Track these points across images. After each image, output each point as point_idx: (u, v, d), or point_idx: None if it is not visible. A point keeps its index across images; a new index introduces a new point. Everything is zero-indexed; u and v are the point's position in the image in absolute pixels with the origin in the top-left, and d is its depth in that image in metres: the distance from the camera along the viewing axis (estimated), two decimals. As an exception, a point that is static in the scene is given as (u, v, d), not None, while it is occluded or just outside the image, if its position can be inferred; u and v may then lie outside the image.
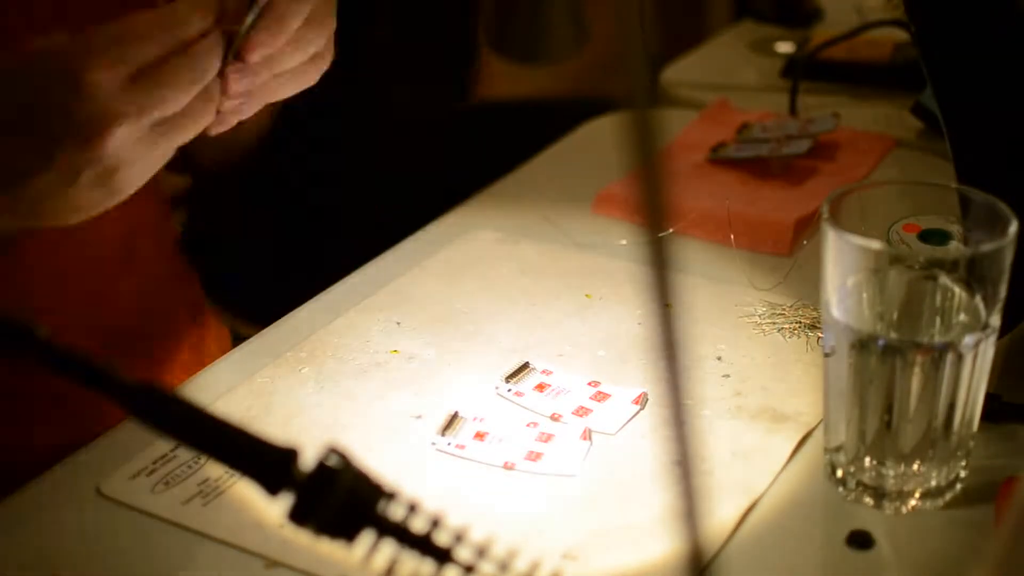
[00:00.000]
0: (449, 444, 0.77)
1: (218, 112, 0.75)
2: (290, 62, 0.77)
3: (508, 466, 0.76)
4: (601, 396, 0.82)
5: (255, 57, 0.75)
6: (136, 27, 0.70)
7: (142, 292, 0.95)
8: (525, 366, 0.84)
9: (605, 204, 1.05)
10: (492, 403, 0.82)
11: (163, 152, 0.72)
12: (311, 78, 0.80)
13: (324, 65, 0.80)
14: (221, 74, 0.74)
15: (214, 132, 0.77)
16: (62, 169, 0.69)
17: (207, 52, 0.72)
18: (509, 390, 0.82)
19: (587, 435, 0.78)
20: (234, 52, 0.75)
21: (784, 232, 0.99)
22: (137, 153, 0.70)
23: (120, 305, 0.94)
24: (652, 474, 0.75)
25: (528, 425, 0.79)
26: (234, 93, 0.75)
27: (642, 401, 0.81)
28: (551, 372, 0.84)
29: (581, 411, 0.80)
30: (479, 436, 0.78)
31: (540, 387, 0.83)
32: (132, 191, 0.72)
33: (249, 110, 0.78)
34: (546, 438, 0.78)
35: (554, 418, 0.80)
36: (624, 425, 0.79)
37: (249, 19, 0.75)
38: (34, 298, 0.88)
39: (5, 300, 0.82)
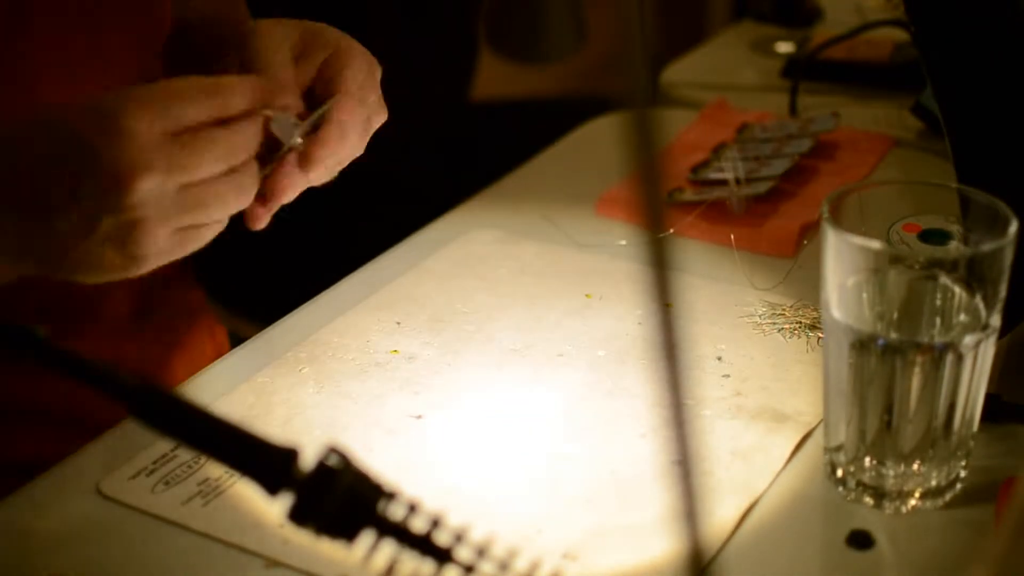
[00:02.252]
0: None
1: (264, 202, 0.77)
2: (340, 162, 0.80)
3: None
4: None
5: (314, 167, 0.77)
6: (181, 88, 0.70)
7: (143, 292, 0.95)
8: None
9: (609, 206, 1.05)
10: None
11: (186, 234, 0.71)
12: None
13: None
14: (264, 165, 0.76)
15: (255, 226, 0.78)
16: (83, 211, 0.68)
17: (244, 132, 0.72)
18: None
19: None
20: (286, 150, 0.77)
21: (788, 237, 0.99)
22: (159, 214, 0.69)
23: (120, 304, 0.94)
24: (652, 474, 0.75)
25: None
26: (280, 190, 0.78)
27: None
28: None
29: None
30: None
31: None
32: (147, 264, 0.71)
33: (289, 197, 0.80)
34: None
35: None
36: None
37: (309, 121, 0.78)
38: (34, 299, 0.88)
39: (5, 301, 0.82)
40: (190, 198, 0.70)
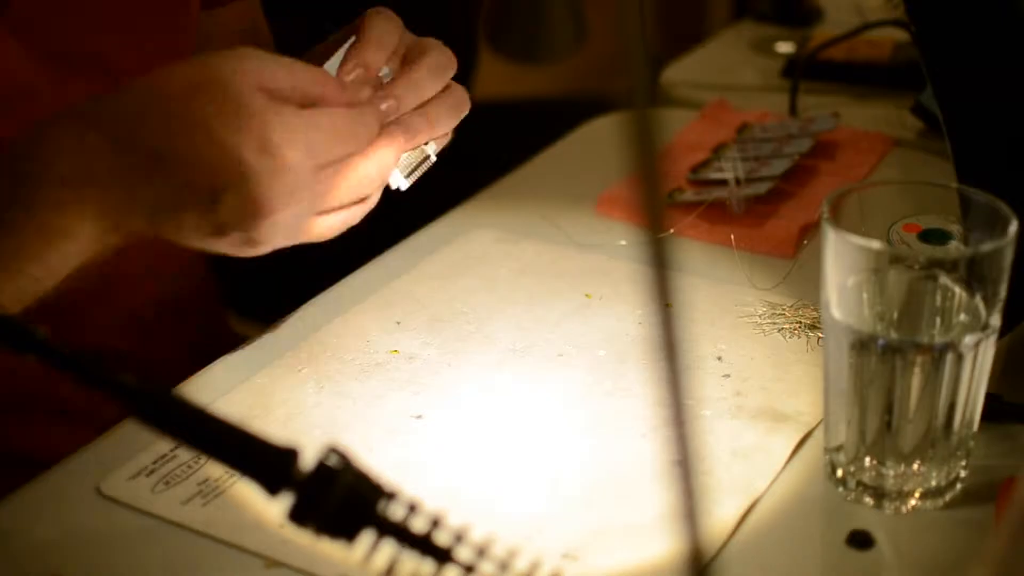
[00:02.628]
0: None
1: None
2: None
3: None
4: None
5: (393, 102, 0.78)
6: (334, 123, 0.72)
7: (160, 282, 0.95)
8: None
9: (609, 205, 1.05)
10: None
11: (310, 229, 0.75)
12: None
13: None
14: None
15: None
16: (216, 218, 0.70)
17: (380, 163, 0.76)
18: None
19: None
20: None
21: (789, 238, 0.99)
22: (286, 232, 0.72)
23: (132, 299, 0.94)
24: (652, 474, 0.75)
25: None
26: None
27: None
28: None
29: None
30: None
31: None
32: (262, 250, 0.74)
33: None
34: None
35: None
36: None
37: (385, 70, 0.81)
38: (87, 313, 0.88)
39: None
40: (317, 219, 0.75)
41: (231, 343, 1.02)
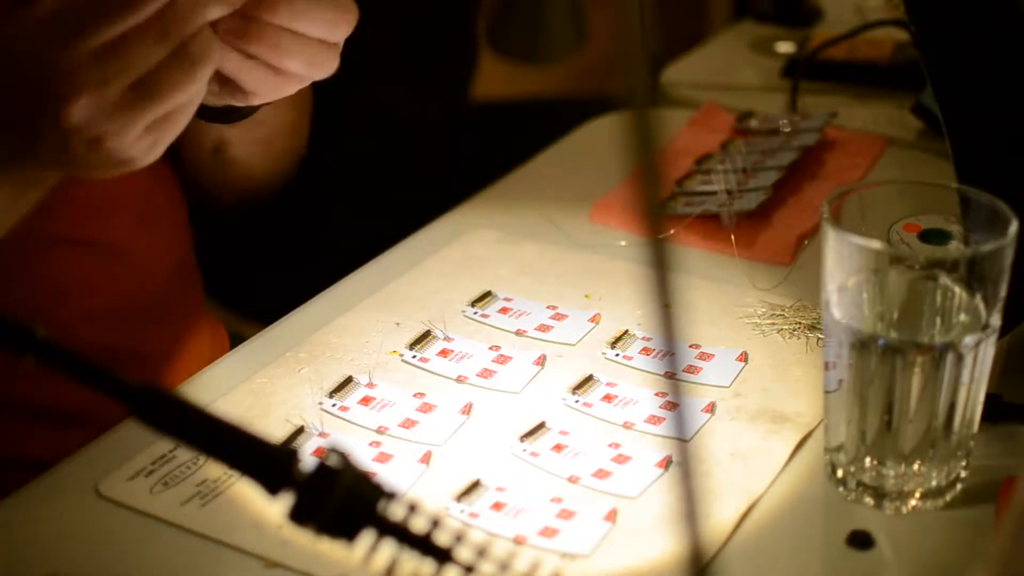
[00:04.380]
0: (463, 511, 0.72)
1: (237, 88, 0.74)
2: (303, 29, 0.74)
3: (519, 539, 0.71)
4: (622, 458, 0.77)
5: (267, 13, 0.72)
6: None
7: (142, 291, 0.95)
8: (541, 425, 0.79)
9: (603, 212, 1.04)
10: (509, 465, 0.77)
11: (158, 126, 0.69)
12: (326, 66, 0.76)
13: (338, 51, 0.77)
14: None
15: (253, 101, 0.75)
16: (49, 145, 0.68)
17: (178, 15, 0.68)
18: (524, 450, 0.77)
19: (611, 516, 0.72)
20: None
21: (785, 247, 0.98)
22: (117, 120, 0.67)
23: (119, 305, 0.94)
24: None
25: (552, 500, 0.74)
26: (222, 32, 0.71)
27: (666, 464, 0.76)
28: (567, 432, 0.79)
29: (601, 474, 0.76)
30: (496, 507, 0.73)
31: (557, 447, 0.78)
32: (137, 162, 0.70)
33: (252, 69, 0.74)
34: (567, 515, 0.72)
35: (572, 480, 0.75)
36: (646, 489, 0.74)
37: None
38: (33, 298, 0.88)
39: (5, 301, 0.82)
40: (142, 94, 0.68)
41: (221, 345, 1.02)
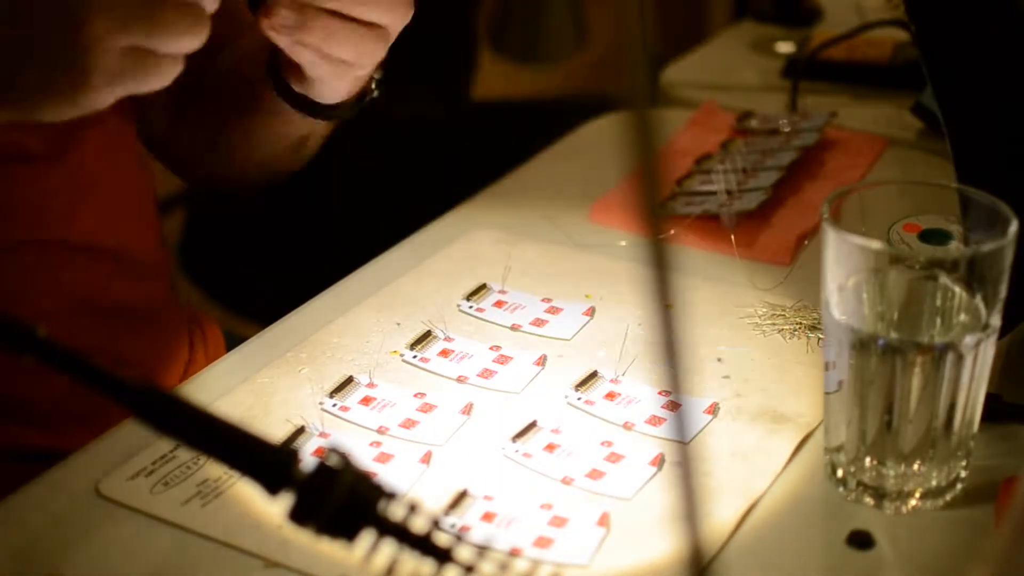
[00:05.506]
0: (453, 526, 0.71)
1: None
2: (358, 13, 0.77)
3: (515, 552, 0.69)
4: (615, 457, 0.76)
5: None
6: None
7: (134, 292, 0.94)
8: (533, 425, 0.79)
9: (603, 212, 1.04)
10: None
11: (139, 58, 0.68)
12: (375, 55, 0.79)
13: (387, 42, 0.80)
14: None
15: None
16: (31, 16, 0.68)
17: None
18: (516, 451, 0.77)
19: (604, 520, 0.72)
20: None
21: (785, 248, 0.98)
22: (108, 23, 0.67)
23: (114, 306, 0.93)
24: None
25: (542, 506, 0.73)
26: (276, 24, 0.77)
27: (659, 462, 0.76)
28: (559, 431, 0.79)
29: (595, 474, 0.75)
30: (487, 517, 0.72)
31: (550, 447, 0.77)
32: (98, 90, 0.69)
33: (302, 54, 0.78)
34: (560, 522, 0.72)
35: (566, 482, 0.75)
36: (640, 489, 0.74)
37: None
38: (28, 301, 0.88)
39: (1, 303, 0.82)
40: (142, 12, 0.67)
41: (215, 344, 1.02)
